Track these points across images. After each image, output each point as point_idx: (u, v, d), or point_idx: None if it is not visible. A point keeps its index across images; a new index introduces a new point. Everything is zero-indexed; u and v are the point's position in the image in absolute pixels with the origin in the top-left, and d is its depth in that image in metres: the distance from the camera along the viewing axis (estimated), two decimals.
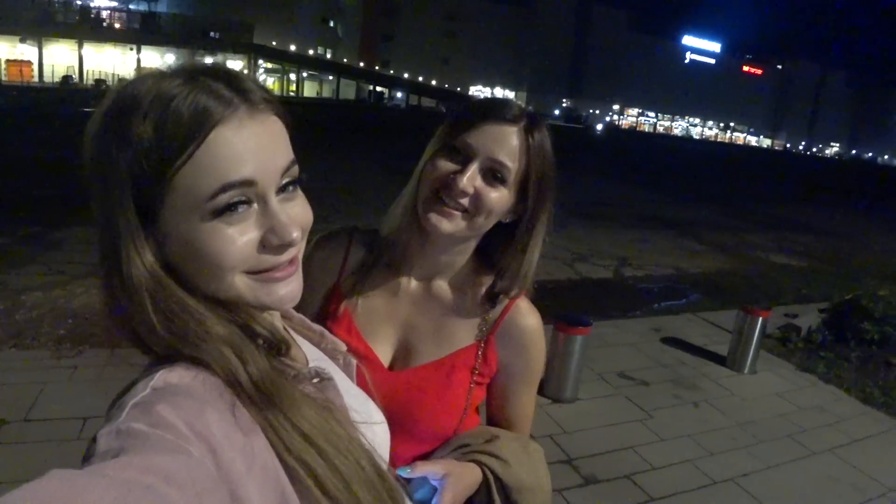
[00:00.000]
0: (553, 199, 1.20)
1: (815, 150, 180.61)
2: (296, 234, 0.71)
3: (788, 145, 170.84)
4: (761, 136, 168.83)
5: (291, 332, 0.90)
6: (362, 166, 16.74)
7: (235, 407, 0.65)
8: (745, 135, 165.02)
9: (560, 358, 4.46)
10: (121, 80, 0.71)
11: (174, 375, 0.65)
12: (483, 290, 1.24)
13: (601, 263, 9.33)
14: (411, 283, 1.26)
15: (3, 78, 50.11)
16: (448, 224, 1.12)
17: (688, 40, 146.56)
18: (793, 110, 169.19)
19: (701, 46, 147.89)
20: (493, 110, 1.12)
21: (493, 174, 1.11)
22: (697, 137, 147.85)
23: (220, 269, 0.68)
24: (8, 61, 53.28)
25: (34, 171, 11.64)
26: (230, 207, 0.67)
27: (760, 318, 5.26)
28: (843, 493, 3.67)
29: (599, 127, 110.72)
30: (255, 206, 0.69)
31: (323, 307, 1.27)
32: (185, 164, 0.64)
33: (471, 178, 1.10)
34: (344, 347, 0.99)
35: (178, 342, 0.66)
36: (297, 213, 0.73)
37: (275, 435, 0.66)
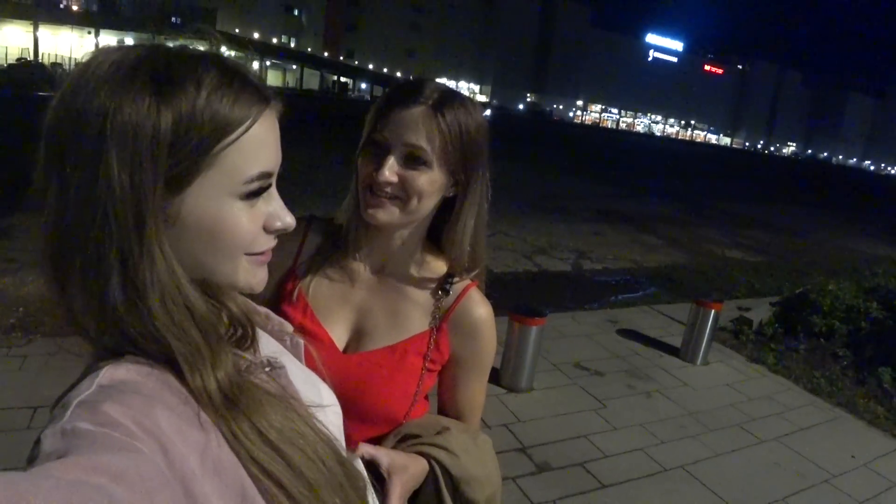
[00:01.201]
0: (484, 169, 1.19)
1: (772, 149, 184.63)
2: (291, 220, 0.74)
3: (747, 144, 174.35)
4: (721, 135, 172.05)
5: None
6: (323, 158, 16.57)
7: (187, 402, 0.63)
8: (705, 133, 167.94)
9: (515, 348, 4.49)
10: (94, 51, 0.65)
11: (121, 371, 0.62)
12: (437, 276, 1.26)
13: (560, 256, 9.42)
14: (366, 270, 1.27)
15: None
16: (383, 214, 1.14)
17: (651, 38, 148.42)
18: (752, 110, 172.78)
19: (664, 45, 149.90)
20: (400, 96, 1.13)
21: (412, 158, 1.11)
22: (659, 134, 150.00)
23: (237, 248, 0.69)
24: None
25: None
26: (258, 192, 0.69)
27: (713, 311, 5.36)
28: (787, 479, 3.77)
29: (521, 106, 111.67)
30: (263, 194, 0.71)
31: (277, 290, 1.27)
32: (233, 144, 0.65)
33: (391, 168, 1.11)
34: (290, 328, 0.97)
35: (156, 335, 0.63)
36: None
37: (238, 444, 0.64)
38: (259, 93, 0.68)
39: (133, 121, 0.59)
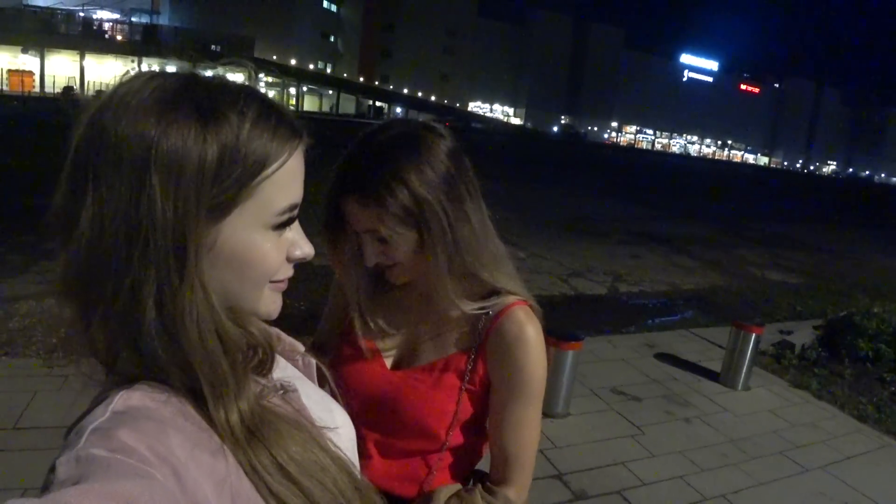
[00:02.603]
0: (446, 201, 1.14)
1: (811, 168, 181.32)
2: (311, 249, 0.78)
3: (785, 163, 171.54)
4: (758, 154, 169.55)
5: None
6: None
7: (204, 430, 0.63)
8: (742, 153, 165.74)
9: (551, 373, 4.43)
10: (130, 74, 0.67)
11: (136, 397, 0.62)
12: (480, 297, 1.26)
13: (595, 279, 9.32)
14: (414, 296, 1.32)
15: (5, 87, 50.21)
16: (396, 276, 1.23)
17: (685, 58, 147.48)
18: (790, 128, 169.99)
19: (698, 65, 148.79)
20: (332, 191, 1.18)
21: (377, 237, 1.15)
22: (695, 155, 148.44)
23: (265, 275, 0.71)
24: (10, 71, 53.41)
25: (28, 180, 11.62)
26: (287, 223, 0.72)
27: (754, 335, 5.25)
28: None
29: (555, 129, 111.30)
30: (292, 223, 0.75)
31: (346, 319, 1.38)
32: (272, 176, 0.67)
33: (371, 254, 1.18)
34: (302, 348, 0.98)
35: (184, 370, 0.63)
36: None
37: (257, 476, 0.65)
38: (293, 127, 0.71)
39: (179, 149, 0.60)
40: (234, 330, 0.67)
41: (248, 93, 0.68)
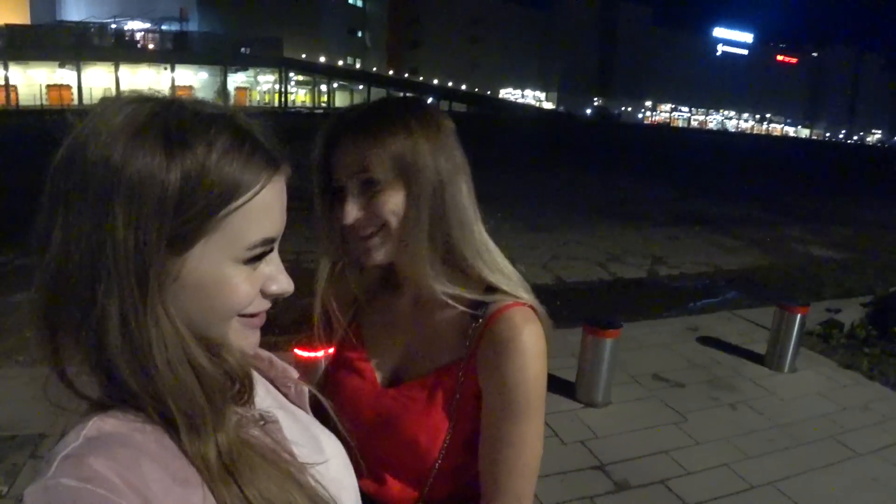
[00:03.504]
0: (439, 171, 1.06)
1: (855, 138, 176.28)
2: (290, 286, 0.74)
3: (828, 135, 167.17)
4: (799, 127, 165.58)
5: None
6: None
7: (178, 458, 0.62)
8: (781, 126, 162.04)
9: (590, 361, 4.40)
10: (109, 98, 0.65)
11: (109, 423, 0.61)
12: (472, 298, 1.12)
13: (634, 263, 9.20)
14: (406, 300, 1.22)
15: (45, 102, 51.53)
16: (376, 253, 1.10)
17: (719, 32, 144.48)
18: (830, 99, 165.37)
19: (732, 38, 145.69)
20: (325, 135, 1.10)
21: (366, 184, 1.06)
22: (733, 130, 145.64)
23: (232, 310, 0.68)
24: (48, 86, 54.83)
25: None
26: (259, 257, 0.69)
27: (799, 315, 5.11)
28: (888, 496, 3.53)
29: (588, 111, 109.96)
30: (265, 257, 0.71)
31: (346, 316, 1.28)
32: (240, 208, 0.64)
33: (353, 206, 1.06)
34: (296, 375, 0.93)
35: (158, 401, 0.62)
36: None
37: None
38: (269, 157, 0.68)
39: (141, 176, 0.59)
40: (206, 360, 0.65)
41: (222, 120, 0.66)
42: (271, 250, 0.71)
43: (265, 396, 0.84)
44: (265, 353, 0.92)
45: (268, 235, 0.68)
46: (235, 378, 0.70)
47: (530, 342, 1.07)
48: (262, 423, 0.74)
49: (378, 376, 1.21)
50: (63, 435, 0.61)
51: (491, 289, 1.13)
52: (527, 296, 1.13)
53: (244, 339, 0.73)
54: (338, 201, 1.08)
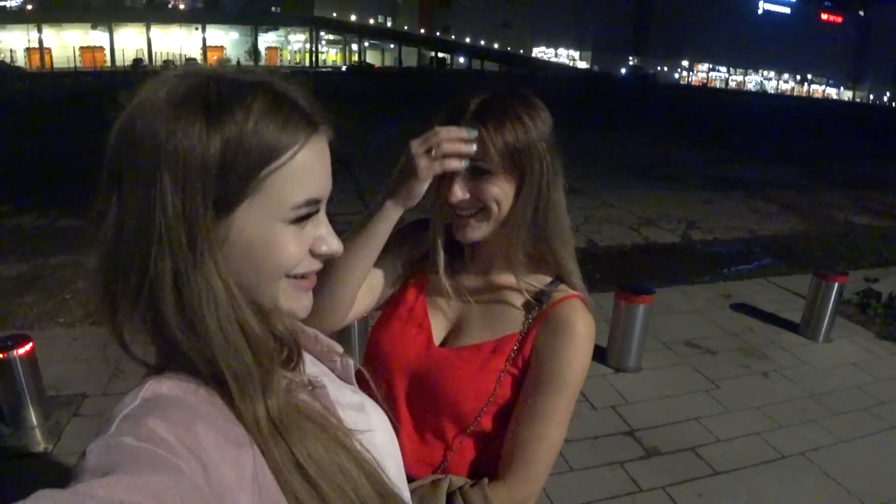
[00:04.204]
0: (543, 164, 1.16)
1: None
2: (339, 246, 0.76)
3: (871, 97, 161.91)
4: (841, 88, 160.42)
5: None
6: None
7: (231, 421, 0.64)
8: (823, 87, 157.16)
9: (622, 327, 4.39)
10: (191, 60, 0.68)
11: (165, 386, 0.64)
12: (540, 284, 1.26)
13: (668, 227, 9.09)
14: (473, 272, 1.32)
15: (78, 64, 52.05)
16: (472, 231, 1.20)
17: None
18: (876, 59, 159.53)
19: None
20: (446, 117, 1.17)
21: (476, 170, 1.14)
22: (772, 92, 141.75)
23: (280, 269, 0.70)
24: (81, 48, 55.31)
25: (104, 154, 12.08)
26: (306, 217, 0.71)
27: (837, 283, 5.01)
28: None
29: (623, 71, 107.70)
30: (312, 218, 0.73)
31: (404, 277, 1.38)
32: (279, 169, 0.66)
33: (460, 187, 1.15)
34: (340, 349, 0.96)
35: (210, 362, 0.65)
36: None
37: (278, 472, 0.66)
38: (308, 119, 0.70)
39: (184, 146, 0.62)
40: (256, 322, 0.68)
41: (259, 87, 0.68)
42: (317, 211, 0.73)
43: (311, 365, 0.87)
44: (311, 330, 0.95)
45: (311, 196, 0.70)
46: (284, 343, 0.73)
47: (585, 331, 1.20)
48: (310, 387, 0.77)
49: (434, 334, 1.30)
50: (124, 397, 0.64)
51: (557, 277, 1.26)
52: (584, 289, 1.26)
53: (296, 301, 0.75)
54: (446, 178, 1.16)
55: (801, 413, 3.98)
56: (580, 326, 1.20)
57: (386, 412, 0.96)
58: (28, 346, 3.40)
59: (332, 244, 0.75)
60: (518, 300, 1.26)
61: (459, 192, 1.15)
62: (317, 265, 0.75)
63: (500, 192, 1.15)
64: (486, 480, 1.20)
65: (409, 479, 1.19)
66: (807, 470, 3.40)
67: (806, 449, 3.57)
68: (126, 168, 0.63)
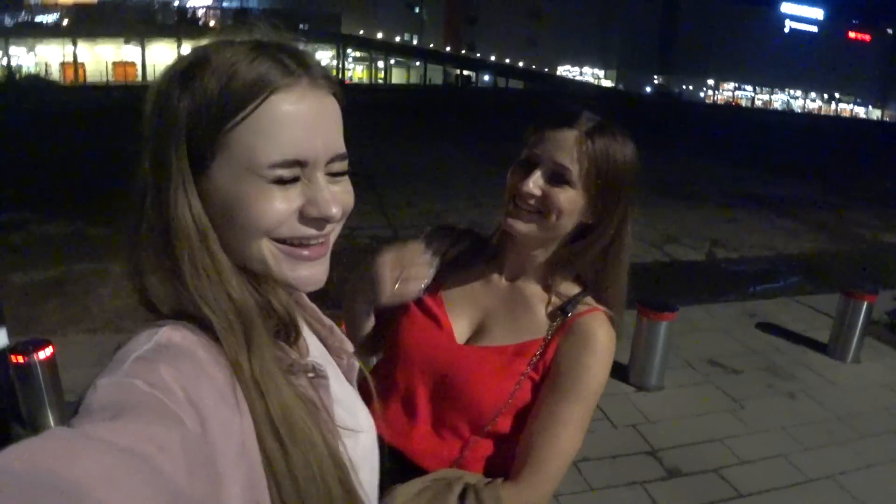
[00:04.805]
0: (626, 202, 1.22)
1: None
2: (335, 210, 0.72)
3: None
4: (869, 107, 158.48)
5: (300, 322, 0.88)
6: (448, 150, 16.73)
7: (228, 381, 0.65)
8: (851, 106, 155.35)
9: (644, 344, 4.32)
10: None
11: (178, 334, 0.65)
12: (566, 294, 1.28)
13: (692, 245, 8.98)
14: (501, 277, 1.34)
15: (110, 79, 53.05)
16: (522, 225, 1.21)
17: (787, 7, 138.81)
18: None
19: (801, 14, 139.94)
20: (556, 118, 1.20)
21: (556, 176, 1.17)
22: (799, 111, 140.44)
23: (256, 229, 0.69)
24: (114, 63, 56.40)
25: (133, 165, 12.25)
26: (282, 179, 0.69)
27: (865, 303, 4.92)
28: None
29: (648, 89, 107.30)
30: (303, 179, 0.71)
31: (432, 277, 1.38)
32: (242, 123, 0.67)
33: (535, 182, 1.18)
34: (351, 348, 0.96)
35: (195, 302, 0.67)
36: (339, 193, 0.74)
37: (255, 423, 0.67)
38: (282, 67, 0.69)
39: (164, 108, 0.68)
40: (236, 280, 0.70)
41: (241, 45, 0.70)
42: (297, 176, 0.70)
43: (320, 356, 0.87)
44: (328, 321, 0.95)
45: (291, 156, 0.68)
46: (278, 316, 0.73)
47: (606, 343, 1.22)
48: (311, 374, 0.77)
49: (456, 334, 1.32)
50: (135, 335, 0.67)
51: (585, 289, 1.29)
52: (617, 307, 1.29)
53: (290, 269, 0.73)
54: (522, 168, 1.21)
55: (828, 435, 3.88)
56: (603, 338, 1.22)
57: (376, 425, 0.96)
58: (49, 351, 3.42)
59: (322, 207, 0.71)
60: (544, 307, 1.28)
61: (532, 185, 1.18)
62: (309, 231, 0.72)
63: (568, 206, 1.18)
64: (499, 481, 1.21)
65: (424, 472, 1.24)
66: (834, 494, 3.31)
67: (833, 472, 3.47)
68: (142, 134, 0.70)
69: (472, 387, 1.24)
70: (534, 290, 1.30)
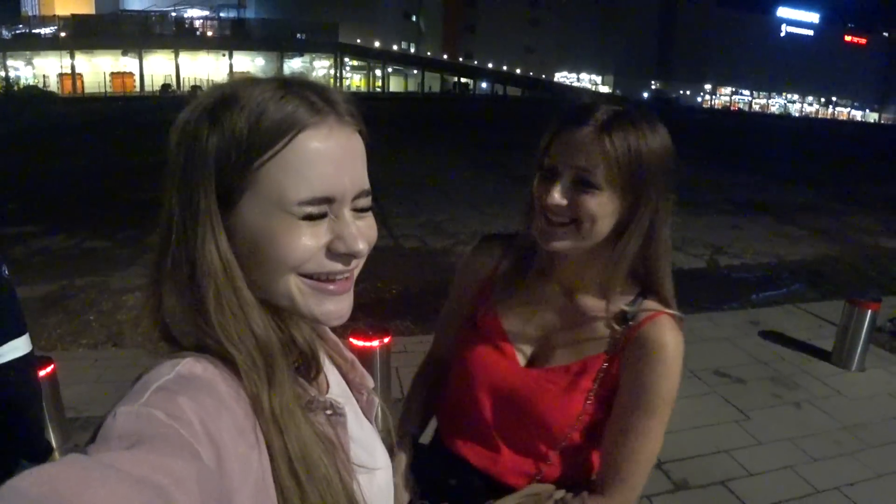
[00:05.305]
0: (659, 191, 1.15)
1: None
2: (362, 246, 0.72)
3: None
4: (867, 111, 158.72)
5: (322, 356, 0.88)
6: (447, 158, 16.73)
7: (248, 416, 0.65)
8: (848, 109, 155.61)
9: None
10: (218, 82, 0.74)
11: (200, 366, 0.65)
12: (626, 301, 1.23)
13: (693, 252, 8.94)
14: (556, 290, 1.30)
15: (108, 89, 53.17)
16: (558, 242, 1.16)
17: (783, 12, 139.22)
18: None
19: (797, 18, 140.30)
20: (569, 119, 1.13)
21: (581, 181, 1.11)
22: (796, 115, 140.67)
23: (284, 265, 0.69)
24: (112, 74, 56.56)
25: (133, 176, 12.23)
26: (311, 216, 0.69)
27: (870, 311, 4.89)
28: None
29: (645, 95, 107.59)
30: (331, 215, 0.71)
31: (473, 303, 1.39)
32: (271, 160, 0.67)
33: (560, 192, 1.12)
34: (372, 384, 0.96)
35: (218, 338, 0.67)
36: (364, 228, 0.74)
37: (273, 463, 0.67)
38: (311, 105, 0.69)
39: (192, 145, 0.68)
40: (259, 315, 0.70)
41: (271, 82, 0.70)
42: (324, 213, 0.71)
43: (339, 395, 0.86)
44: (349, 355, 0.95)
45: (320, 194, 0.69)
46: (298, 346, 0.74)
47: (674, 350, 1.17)
48: (329, 412, 0.76)
49: (518, 356, 1.29)
50: (156, 365, 0.66)
51: (642, 292, 1.23)
52: (673, 304, 1.23)
53: (316, 304, 0.73)
54: (545, 179, 1.16)
55: (836, 445, 3.85)
56: (669, 346, 1.17)
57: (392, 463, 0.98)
58: (49, 368, 3.40)
59: (350, 243, 0.71)
60: (604, 317, 1.23)
61: (557, 197, 1.12)
62: (336, 266, 0.72)
63: (600, 209, 1.12)
64: (586, 494, 1.21)
65: (509, 490, 1.26)
66: None
67: (841, 483, 3.44)
68: (167, 166, 0.70)
69: (541, 409, 1.23)
70: (591, 301, 1.25)
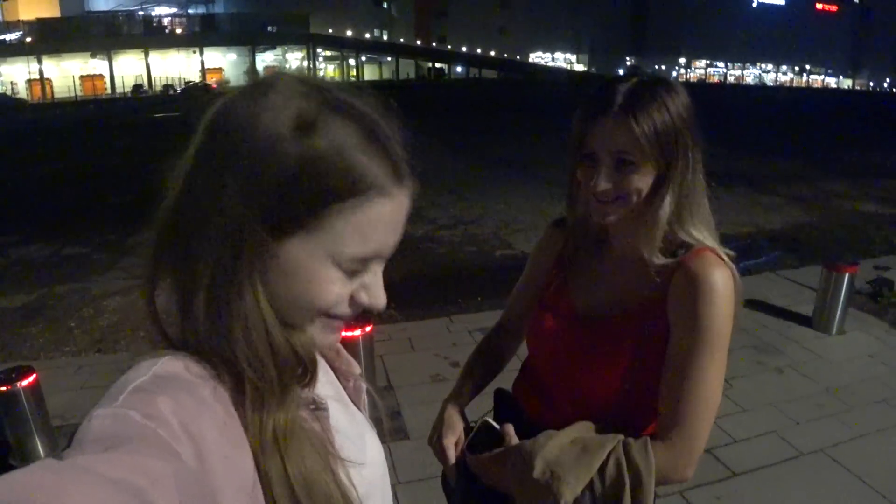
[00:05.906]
0: (686, 149, 1.20)
1: None
2: (384, 303, 0.73)
3: (871, 84, 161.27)
4: (840, 77, 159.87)
5: None
6: (426, 145, 16.66)
7: (233, 420, 0.63)
8: (822, 77, 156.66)
9: None
10: (189, 83, 0.66)
11: (178, 366, 0.63)
12: (674, 243, 1.26)
13: None
14: (613, 254, 1.38)
15: (79, 93, 52.46)
16: (612, 218, 1.24)
17: None
18: (874, 46, 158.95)
19: None
20: (593, 105, 1.21)
21: (620, 163, 1.19)
22: (771, 84, 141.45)
23: (317, 308, 0.68)
24: (82, 77, 55.78)
25: (108, 179, 12.11)
26: (354, 272, 0.68)
27: (847, 274, 4.94)
28: None
29: (621, 71, 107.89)
30: (364, 269, 0.71)
31: (546, 278, 1.49)
32: (339, 212, 0.64)
33: (605, 178, 1.20)
34: (358, 370, 0.95)
35: (231, 365, 0.64)
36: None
37: (267, 482, 0.64)
38: (396, 168, 0.67)
39: (263, 152, 0.61)
40: (283, 341, 0.67)
41: (364, 116, 0.66)
42: (369, 266, 0.71)
43: (325, 384, 0.86)
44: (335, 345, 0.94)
45: (374, 253, 0.68)
46: (302, 360, 0.71)
47: (720, 282, 1.17)
48: (312, 406, 0.75)
49: (579, 314, 1.38)
50: (133, 366, 0.64)
51: (685, 243, 1.26)
52: (719, 246, 1.25)
53: (324, 337, 0.73)
54: (587, 166, 1.23)
55: (818, 408, 3.90)
56: (714, 277, 1.17)
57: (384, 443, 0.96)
58: (32, 378, 3.37)
59: (377, 298, 0.72)
60: (653, 269, 1.24)
61: (603, 184, 1.20)
62: (350, 313, 0.72)
63: (642, 182, 1.19)
64: (648, 438, 1.19)
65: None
66: (826, 467, 3.33)
67: (825, 446, 3.50)
68: (207, 147, 0.63)
69: (596, 360, 1.29)
70: (641, 257, 1.26)
